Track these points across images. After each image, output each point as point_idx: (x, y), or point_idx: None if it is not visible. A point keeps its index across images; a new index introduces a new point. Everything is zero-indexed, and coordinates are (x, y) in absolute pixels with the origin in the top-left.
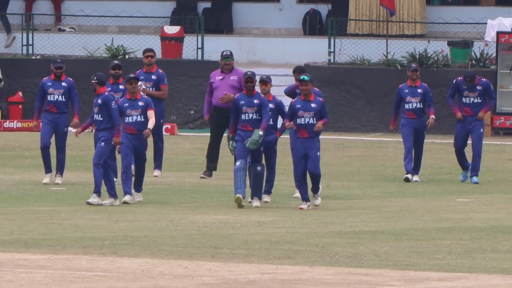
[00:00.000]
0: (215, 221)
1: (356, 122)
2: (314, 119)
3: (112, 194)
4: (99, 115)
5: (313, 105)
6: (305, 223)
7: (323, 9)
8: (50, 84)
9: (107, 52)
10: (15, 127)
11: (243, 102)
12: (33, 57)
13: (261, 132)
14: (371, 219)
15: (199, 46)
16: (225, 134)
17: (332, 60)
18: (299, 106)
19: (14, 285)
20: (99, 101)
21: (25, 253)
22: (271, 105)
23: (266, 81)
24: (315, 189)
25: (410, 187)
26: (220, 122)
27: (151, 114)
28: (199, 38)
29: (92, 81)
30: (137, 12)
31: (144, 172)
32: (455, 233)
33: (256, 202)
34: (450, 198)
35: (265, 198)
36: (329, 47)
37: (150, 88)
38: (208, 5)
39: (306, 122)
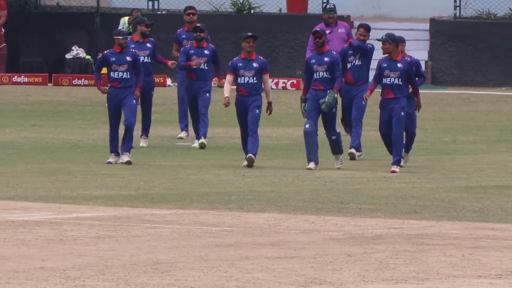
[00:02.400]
0: (341, 176)
1: (482, 77)
2: (400, 79)
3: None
4: (127, 73)
5: (399, 65)
6: (431, 178)
7: None
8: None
9: (233, 7)
10: None
11: (313, 61)
12: (159, 12)
13: (336, 94)
14: (498, 174)
15: (324, 0)
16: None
17: (457, 14)
18: (385, 65)
19: (141, 240)
20: (128, 58)
21: (152, 208)
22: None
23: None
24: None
25: None
26: None
27: (265, 78)
28: None
29: (119, 36)
30: None
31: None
32: None
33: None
34: None
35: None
36: (455, 1)
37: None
38: None
39: (391, 82)
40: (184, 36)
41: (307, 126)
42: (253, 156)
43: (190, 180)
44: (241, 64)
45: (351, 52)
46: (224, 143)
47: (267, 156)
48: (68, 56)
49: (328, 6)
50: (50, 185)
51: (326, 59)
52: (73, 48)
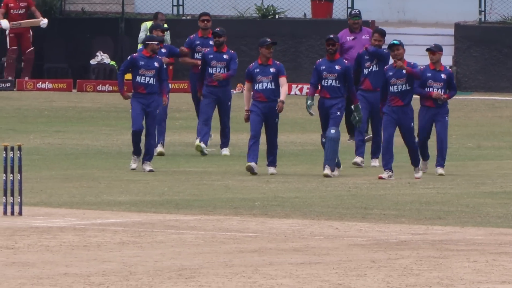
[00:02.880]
0: (365, 181)
1: (507, 82)
2: (406, 85)
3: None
4: (154, 79)
5: (405, 71)
6: (455, 183)
7: None
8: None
9: (257, 12)
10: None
11: (324, 67)
12: (183, 17)
13: (360, 106)
14: None
15: (349, 6)
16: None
17: (482, 19)
18: (391, 73)
19: (166, 245)
20: (156, 64)
21: (176, 214)
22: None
23: (434, 51)
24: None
25: None
26: None
27: (283, 81)
28: None
29: (154, 42)
30: None
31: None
32: None
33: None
34: None
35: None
36: (480, 6)
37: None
38: None
39: (399, 90)
40: (198, 42)
41: (323, 140)
42: (274, 169)
43: (214, 186)
44: (258, 70)
45: (367, 57)
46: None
47: (291, 162)
48: (92, 62)
49: (353, 12)
50: (75, 191)
51: (337, 67)
52: (97, 53)
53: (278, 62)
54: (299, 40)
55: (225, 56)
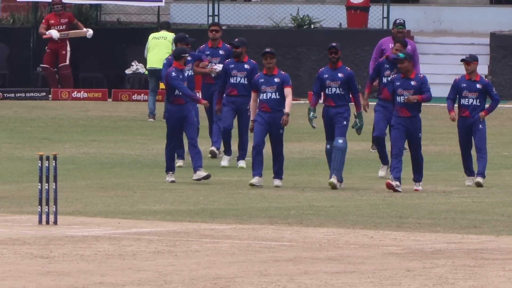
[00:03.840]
0: (401, 190)
1: None
2: (411, 92)
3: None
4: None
5: (412, 82)
6: (491, 192)
7: None
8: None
9: (293, 22)
10: None
11: (326, 76)
12: None
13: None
14: None
15: (385, 15)
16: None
17: None
18: (398, 83)
19: (201, 254)
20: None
21: (211, 223)
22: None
23: (468, 61)
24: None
25: None
26: None
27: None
28: (385, 7)
29: (185, 55)
30: None
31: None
32: None
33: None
34: None
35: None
36: None
37: (217, 64)
38: None
39: (402, 101)
40: (208, 52)
41: (328, 147)
42: (279, 182)
43: (249, 195)
44: (262, 80)
45: (387, 66)
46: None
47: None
48: (128, 71)
49: (397, 21)
50: (110, 200)
51: (340, 75)
52: (133, 63)
53: (283, 72)
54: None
55: (246, 66)
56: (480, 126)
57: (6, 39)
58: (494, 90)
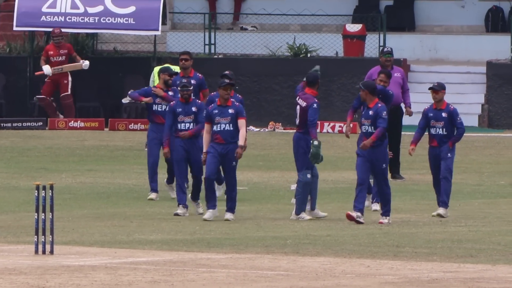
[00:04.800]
0: (397, 219)
1: None
2: (372, 127)
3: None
4: (194, 124)
5: (370, 112)
6: (487, 221)
7: (506, 5)
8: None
9: (289, 50)
10: None
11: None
12: (215, 56)
13: (315, 142)
14: None
15: (381, 44)
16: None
17: None
18: (362, 113)
19: (197, 284)
20: (194, 108)
21: (207, 252)
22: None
23: (437, 90)
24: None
25: None
26: None
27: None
28: (381, 36)
29: (185, 88)
30: (319, 11)
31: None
32: None
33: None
34: None
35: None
36: None
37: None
38: (390, 2)
39: (366, 131)
40: (178, 82)
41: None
42: (231, 215)
43: (245, 225)
44: (216, 111)
45: None
46: (280, 187)
47: (323, 200)
48: (124, 100)
49: (385, 49)
50: (106, 230)
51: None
52: (129, 92)
53: (237, 104)
54: (330, 79)
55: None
56: (449, 154)
57: (2, 68)
58: (459, 119)
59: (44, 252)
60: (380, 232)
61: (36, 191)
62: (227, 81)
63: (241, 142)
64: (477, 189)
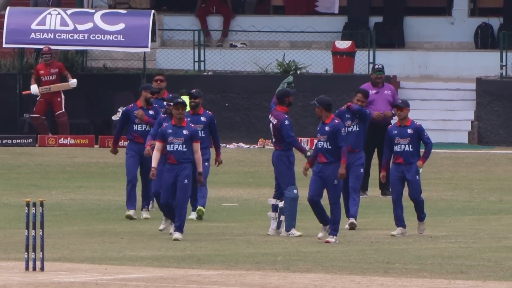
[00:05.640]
0: (387, 236)
1: None
2: (327, 143)
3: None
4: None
5: (327, 128)
6: (477, 237)
7: (495, 22)
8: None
9: (279, 67)
10: None
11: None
12: (205, 73)
13: (308, 153)
14: None
15: (371, 60)
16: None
17: (504, 74)
18: (318, 129)
19: None
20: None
21: (198, 269)
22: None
23: (401, 107)
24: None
25: None
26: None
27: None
28: (371, 52)
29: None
30: (308, 27)
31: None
32: None
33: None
34: None
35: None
36: (501, 60)
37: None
38: (379, 19)
39: (321, 146)
40: (156, 105)
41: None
42: (179, 235)
43: (236, 241)
44: (170, 131)
45: (348, 116)
46: (269, 204)
47: (313, 216)
48: (114, 117)
49: (376, 66)
50: (97, 246)
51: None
52: (119, 109)
53: (192, 126)
54: (320, 95)
55: (202, 119)
56: (417, 177)
57: None
58: (426, 134)
59: (34, 268)
60: (370, 249)
61: (27, 208)
62: (179, 100)
63: (199, 168)
64: (468, 205)
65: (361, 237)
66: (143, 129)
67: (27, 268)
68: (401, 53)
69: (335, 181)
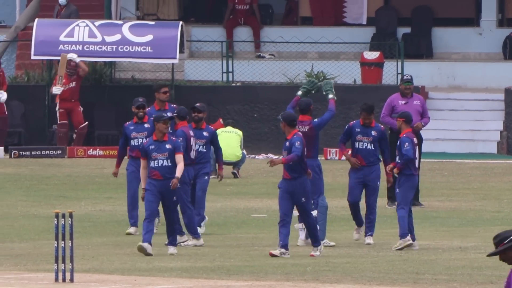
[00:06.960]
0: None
1: None
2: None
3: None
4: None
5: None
6: None
7: None
8: (132, 128)
9: (307, 78)
10: None
11: (358, 130)
12: (233, 84)
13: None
14: None
15: (399, 71)
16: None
17: None
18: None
19: None
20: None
21: (227, 279)
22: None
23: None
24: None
25: None
26: None
27: (179, 158)
28: (399, 63)
29: (174, 114)
30: (336, 38)
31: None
32: None
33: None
34: None
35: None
36: None
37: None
38: (407, 30)
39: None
40: (154, 115)
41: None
42: (144, 248)
43: (265, 252)
44: (153, 147)
45: (358, 130)
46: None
47: (342, 227)
48: None
49: (405, 77)
50: (126, 258)
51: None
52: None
53: (174, 138)
54: (348, 106)
55: (204, 133)
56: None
57: (21, 96)
58: (406, 146)
59: (64, 280)
60: (400, 259)
61: (56, 219)
62: (169, 114)
63: (177, 174)
64: (497, 215)
65: (390, 248)
66: (139, 143)
67: (56, 280)
68: (430, 64)
69: (303, 199)
